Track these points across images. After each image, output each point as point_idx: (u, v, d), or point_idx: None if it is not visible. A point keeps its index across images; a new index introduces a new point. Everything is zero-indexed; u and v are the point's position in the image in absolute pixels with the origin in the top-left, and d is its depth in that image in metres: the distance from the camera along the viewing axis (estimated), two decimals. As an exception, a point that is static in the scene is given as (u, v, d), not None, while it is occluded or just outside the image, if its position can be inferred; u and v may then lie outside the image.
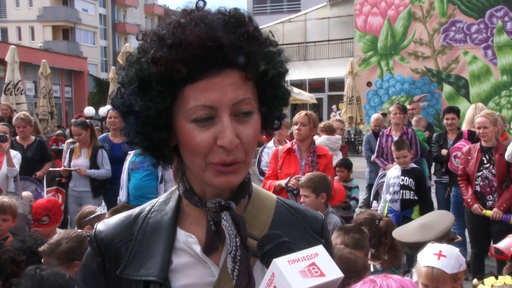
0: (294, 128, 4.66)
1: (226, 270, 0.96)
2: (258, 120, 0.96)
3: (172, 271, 0.97)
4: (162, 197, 1.08)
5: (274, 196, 1.11)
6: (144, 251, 0.99)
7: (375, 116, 8.89)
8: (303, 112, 4.79)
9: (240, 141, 0.91)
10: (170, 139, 0.96)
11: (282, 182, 4.44)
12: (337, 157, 6.46)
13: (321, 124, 6.80)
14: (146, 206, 1.07)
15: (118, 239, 1.01)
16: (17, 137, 6.42)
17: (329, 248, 1.09)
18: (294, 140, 4.73)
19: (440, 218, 3.28)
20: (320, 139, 6.56)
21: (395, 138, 6.64)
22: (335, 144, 6.57)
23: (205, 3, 0.94)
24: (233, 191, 0.99)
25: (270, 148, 6.09)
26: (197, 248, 0.98)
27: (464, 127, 6.15)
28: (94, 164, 5.86)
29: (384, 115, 10.44)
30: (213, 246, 0.98)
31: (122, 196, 5.51)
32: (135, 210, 1.07)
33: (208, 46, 0.86)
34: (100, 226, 1.05)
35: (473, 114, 5.85)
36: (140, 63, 0.91)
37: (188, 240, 0.99)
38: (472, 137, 5.74)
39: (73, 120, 6.17)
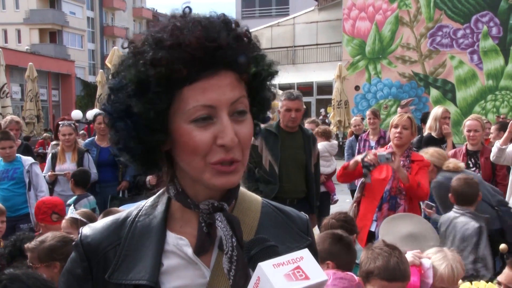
0: (394, 131, 4.10)
1: (217, 271, 0.97)
2: (251, 120, 0.98)
3: (162, 273, 0.97)
4: (149, 201, 1.08)
5: (259, 198, 1.12)
6: (133, 255, 0.99)
7: (354, 119, 8.88)
8: (405, 115, 4.23)
9: (238, 140, 0.92)
10: (164, 143, 0.96)
11: (358, 158, 4.12)
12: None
13: (317, 129, 6.69)
14: (133, 210, 1.07)
15: (106, 243, 1.01)
16: None
17: (314, 246, 1.11)
18: (390, 144, 4.21)
19: (426, 233, 3.38)
20: (321, 145, 6.20)
21: (372, 143, 6.75)
22: (335, 149, 6.67)
23: (190, 10, 0.96)
24: (224, 192, 1.00)
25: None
26: (189, 251, 0.98)
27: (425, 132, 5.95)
28: (81, 168, 5.79)
29: (363, 118, 10.39)
30: (204, 248, 0.98)
31: None
32: (122, 214, 1.07)
33: (207, 47, 0.88)
34: (86, 230, 1.04)
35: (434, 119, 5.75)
36: (137, 66, 0.91)
37: (178, 242, 0.99)
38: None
39: (60, 121, 6.06)
